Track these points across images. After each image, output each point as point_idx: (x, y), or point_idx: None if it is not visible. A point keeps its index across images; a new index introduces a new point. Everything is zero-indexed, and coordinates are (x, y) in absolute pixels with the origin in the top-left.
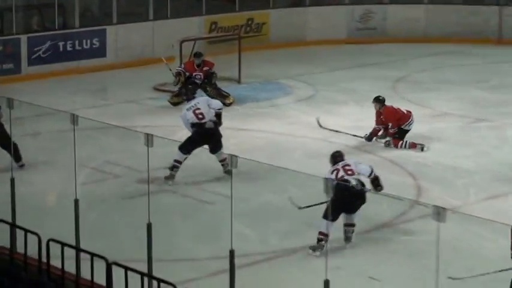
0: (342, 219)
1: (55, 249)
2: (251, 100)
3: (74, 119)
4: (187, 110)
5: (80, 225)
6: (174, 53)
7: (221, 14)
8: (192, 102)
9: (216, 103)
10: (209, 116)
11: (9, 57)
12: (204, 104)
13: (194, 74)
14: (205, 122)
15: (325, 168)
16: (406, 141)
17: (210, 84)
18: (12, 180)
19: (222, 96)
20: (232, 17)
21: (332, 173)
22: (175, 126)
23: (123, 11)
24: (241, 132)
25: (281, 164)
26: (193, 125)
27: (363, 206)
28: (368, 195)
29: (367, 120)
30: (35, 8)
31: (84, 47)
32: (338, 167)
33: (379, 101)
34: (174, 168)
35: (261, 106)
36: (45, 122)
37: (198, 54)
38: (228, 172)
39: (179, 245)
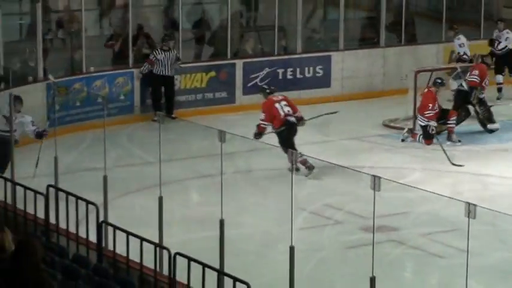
0: None
1: None
2: (493, 141)
3: (293, 156)
4: None
5: (295, 275)
6: (406, 85)
7: None
8: None
9: None
10: None
11: (222, 84)
12: None
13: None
14: None
15: None
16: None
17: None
18: (222, 222)
19: (490, 121)
20: (476, 45)
21: None
22: (406, 168)
23: (352, 35)
24: (480, 177)
25: None
26: None
27: None
28: None
29: None
30: (253, 30)
31: (306, 75)
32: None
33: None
34: None
35: (506, 148)
36: (259, 158)
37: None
38: None
39: None
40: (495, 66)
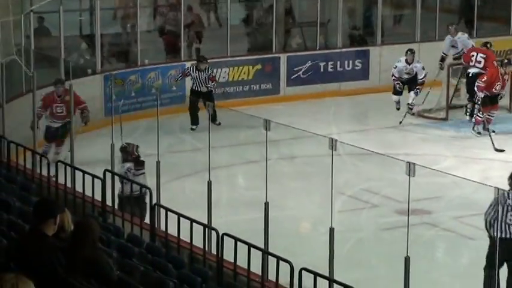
0: None
1: (307, 278)
2: None
3: (333, 143)
4: None
5: (334, 255)
6: (440, 78)
7: (493, 36)
8: None
9: None
10: None
11: (268, 76)
12: None
13: None
14: None
15: None
16: None
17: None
18: (266, 205)
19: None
20: (506, 41)
21: None
22: (439, 156)
23: (388, 31)
24: (509, 164)
25: None
26: None
27: None
28: None
29: None
30: (297, 26)
31: (346, 68)
32: None
33: None
34: None
35: None
36: (301, 145)
37: None
38: None
39: (437, 281)
40: None
